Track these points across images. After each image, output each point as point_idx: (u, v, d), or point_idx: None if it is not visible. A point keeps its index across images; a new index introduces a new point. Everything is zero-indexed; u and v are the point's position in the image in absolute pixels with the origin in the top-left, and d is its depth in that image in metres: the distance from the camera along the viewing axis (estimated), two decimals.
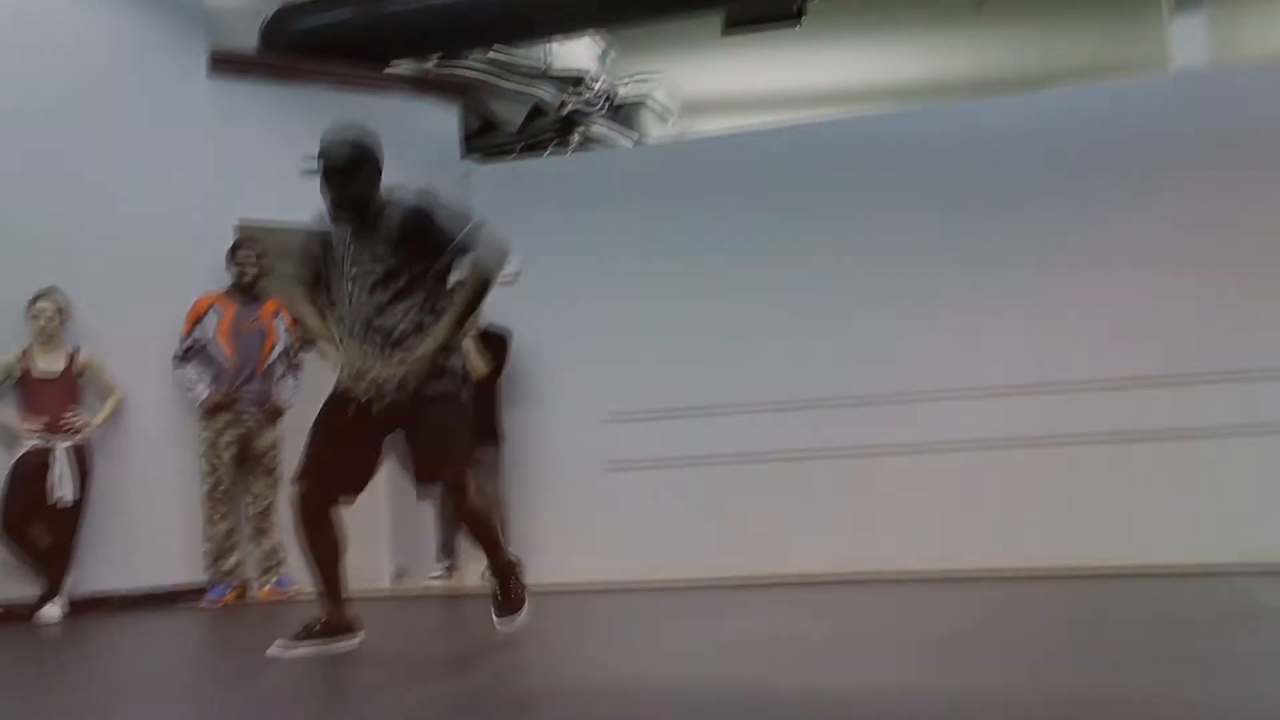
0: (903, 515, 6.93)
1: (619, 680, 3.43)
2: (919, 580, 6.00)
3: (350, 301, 3.96)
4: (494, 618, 4.17)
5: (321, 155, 3.94)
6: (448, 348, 3.93)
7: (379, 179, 4.02)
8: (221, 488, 6.62)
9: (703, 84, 10.27)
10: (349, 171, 3.93)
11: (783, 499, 7.14)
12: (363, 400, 3.92)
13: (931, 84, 10.22)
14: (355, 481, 4.03)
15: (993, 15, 9.15)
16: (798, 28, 7.58)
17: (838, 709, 2.83)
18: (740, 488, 7.23)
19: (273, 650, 3.96)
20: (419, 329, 3.91)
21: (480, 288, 3.95)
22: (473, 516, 4.07)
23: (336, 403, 3.98)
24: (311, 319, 4.20)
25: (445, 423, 3.93)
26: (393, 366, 3.87)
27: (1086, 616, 4.52)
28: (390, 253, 3.90)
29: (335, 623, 4.10)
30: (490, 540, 4.15)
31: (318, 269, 4.10)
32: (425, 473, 3.96)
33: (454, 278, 4.07)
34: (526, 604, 4.20)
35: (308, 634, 4.06)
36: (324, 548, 4.05)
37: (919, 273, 7.11)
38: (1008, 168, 7.10)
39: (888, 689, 3.05)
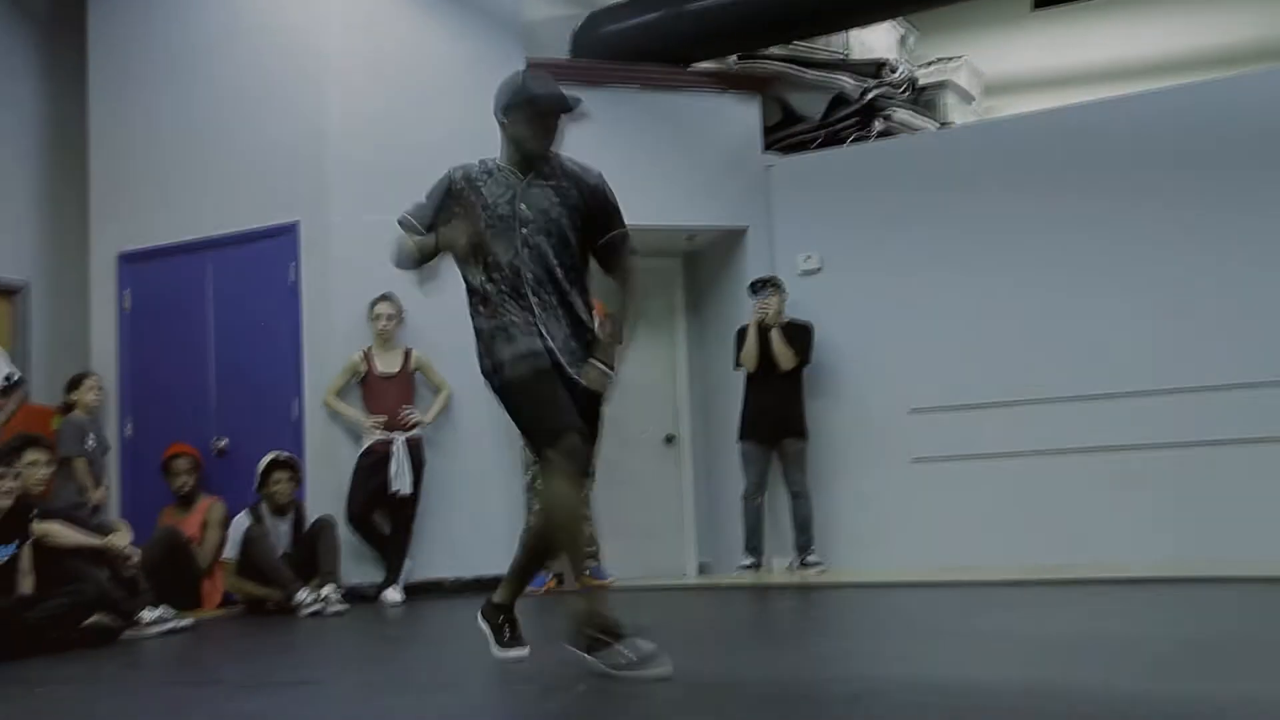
0: (1227, 512, 6.42)
1: (943, 678, 3.34)
2: (1248, 580, 5.53)
3: (523, 253, 3.59)
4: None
5: (545, 96, 3.66)
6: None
7: None
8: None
9: (1007, 64, 9.84)
10: (566, 110, 3.67)
11: (1093, 493, 6.78)
12: (551, 357, 3.57)
13: (1268, 47, 9.39)
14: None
15: None
16: None
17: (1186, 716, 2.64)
18: (1049, 481, 6.91)
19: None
20: (584, 298, 3.68)
21: (639, 288, 3.81)
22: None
23: (537, 367, 3.54)
24: (415, 251, 3.73)
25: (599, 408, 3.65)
26: (578, 342, 3.61)
27: None
28: (577, 209, 3.67)
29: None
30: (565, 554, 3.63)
31: (446, 207, 3.72)
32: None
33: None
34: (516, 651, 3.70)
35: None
36: (582, 520, 3.61)
37: (1250, 256, 6.55)
38: None
39: (1233, 698, 2.82)
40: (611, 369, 3.61)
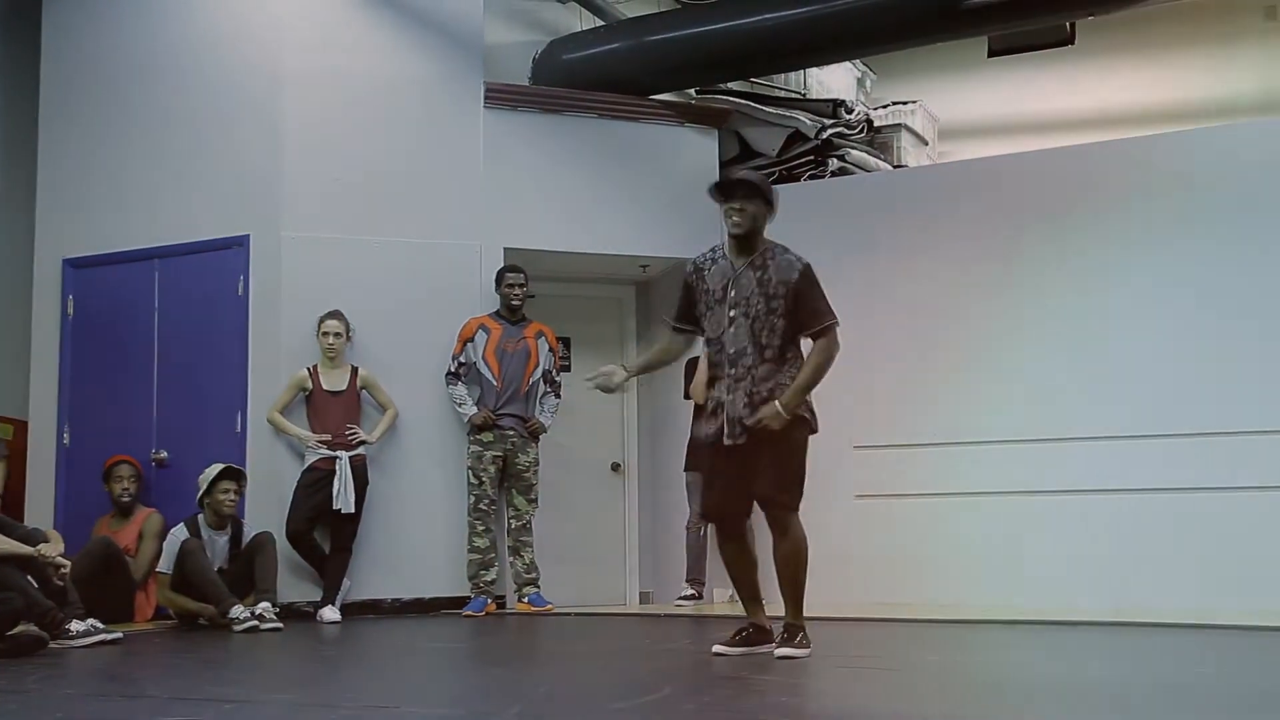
0: (1164, 558, 6.52)
1: (868, 713, 3.36)
2: (1184, 627, 5.61)
3: (728, 331, 4.44)
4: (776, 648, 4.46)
5: (726, 179, 4.56)
6: (800, 403, 4.44)
7: (769, 217, 4.52)
8: (484, 503, 6.89)
9: (961, 109, 10.02)
10: (750, 191, 4.42)
11: (1033, 535, 6.87)
12: (720, 437, 4.43)
13: (1214, 104, 9.63)
14: (746, 503, 4.52)
15: None
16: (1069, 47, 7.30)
17: None
18: (989, 522, 6.99)
19: (715, 649, 4.51)
20: (775, 375, 4.41)
21: (826, 367, 4.43)
22: (788, 557, 4.42)
23: (702, 450, 4.61)
24: (655, 353, 4.77)
25: (786, 458, 4.42)
26: (749, 407, 4.37)
27: None
28: (776, 296, 4.41)
29: (761, 629, 4.55)
30: (796, 591, 4.44)
31: (691, 300, 4.57)
32: (758, 494, 4.45)
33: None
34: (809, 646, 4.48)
35: (741, 639, 4.52)
36: (738, 565, 4.60)
37: (1191, 303, 6.69)
38: None
39: None
40: (783, 411, 4.33)
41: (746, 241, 4.47)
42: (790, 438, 4.40)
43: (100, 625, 5.31)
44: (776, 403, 4.34)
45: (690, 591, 7.34)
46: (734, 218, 4.44)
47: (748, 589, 4.62)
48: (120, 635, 5.42)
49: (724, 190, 4.49)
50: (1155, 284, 6.82)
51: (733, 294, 4.44)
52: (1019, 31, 7.15)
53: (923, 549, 7.10)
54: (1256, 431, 6.45)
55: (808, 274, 4.46)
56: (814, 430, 4.51)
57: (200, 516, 6.36)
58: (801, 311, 4.44)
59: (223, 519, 6.38)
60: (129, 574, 6.51)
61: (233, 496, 6.36)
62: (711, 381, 4.53)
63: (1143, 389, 6.72)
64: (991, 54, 7.45)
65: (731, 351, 4.43)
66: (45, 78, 7.55)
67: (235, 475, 6.40)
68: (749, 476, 4.44)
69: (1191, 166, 6.90)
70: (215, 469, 6.36)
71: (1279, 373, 6.50)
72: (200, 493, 6.34)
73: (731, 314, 4.43)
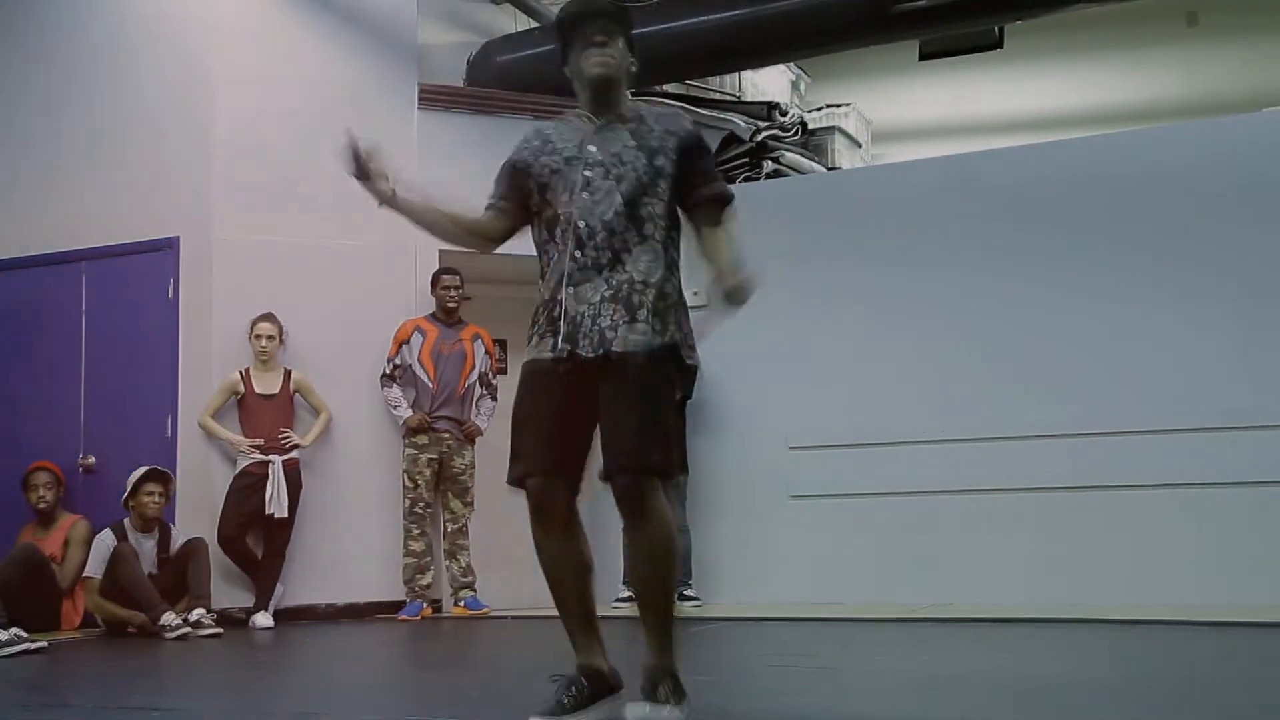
0: (1096, 555, 6.62)
1: (799, 712, 3.39)
2: (1114, 622, 5.71)
3: (580, 198, 3.10)
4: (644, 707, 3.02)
5: (565, 13, 3.25)
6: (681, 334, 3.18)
7: (633, 60, 3.26)
8: (420, 506, 6.85)
9: (895, 111, 10.15)
10: (613, 22, 3.20)
11: (967, 534, 6.92)
12: (555, 355, 3.05)
13: (1139, 107, 9.84)
14: (579, 464, 3.15)
15: (1205, 33, 8.75)
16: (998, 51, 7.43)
17: None
18: (925, 521, 7.03)
19: None
20: (658, 272, 3.14)
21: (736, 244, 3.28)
22: (654, 547, 3.09)
23: (537, 379, 3.09)
24: (454, 213, 3.33)
25: (656, 399, 3.04)
26: (614, 305, 3.04)
27: None
28: (661, 151, 3.15)
29: (600, 674, 3.17)
30: (667, 607, 3.15)
31: (522, 170, 3.21)
32: (614, 454, 3.02)
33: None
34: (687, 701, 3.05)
35: (573, 700, 3.10)
36: (565, 571, 3.18)
37: (1120, 304, 6.81)
38: (1224, 193, 6.75)
39: None
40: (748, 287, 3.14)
41: (608, 92, 3.18)
42: (662, 376, 3.06)
43: (24, 634, 5.22)
44: (741, 275, 3.14)
45: (628, 593, 7.34)
46: (595, 56, 3.14)
47: (579, 611, 3.19)
48: (45, 644, 5.33)
49: (576, 22, 3.19)
50: (1088, 284, 6.92)
51: (591, 149, 3.12)
52: (950, 35, 7.26)
53: (859, 549, 7.15)
54: (1200, 429, 6.54)
55: (698, 131, 3.28)
56: (695, 368, 3.22)
57: (126, 520, 6.25)
58: (694, 171, 3.19)
59: (148, 522, 6.27)
60: (54, 581, 6.38)
61: (157, 499, 6.25)
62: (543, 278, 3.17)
63: (1080, 388, 6.81)
64: (923, 57, 7.55)
65: (582, 226, 3.06)
66: None
67: (160, 477, 6.30)
68: (589, 423, 3.07)
69: (1118, 169, 7.02)
70: (141, 471, 6.26)
71: (1224, 370, 6.62)
72: (125, 495, 6.24)
73: (587, 174, 3.10)
